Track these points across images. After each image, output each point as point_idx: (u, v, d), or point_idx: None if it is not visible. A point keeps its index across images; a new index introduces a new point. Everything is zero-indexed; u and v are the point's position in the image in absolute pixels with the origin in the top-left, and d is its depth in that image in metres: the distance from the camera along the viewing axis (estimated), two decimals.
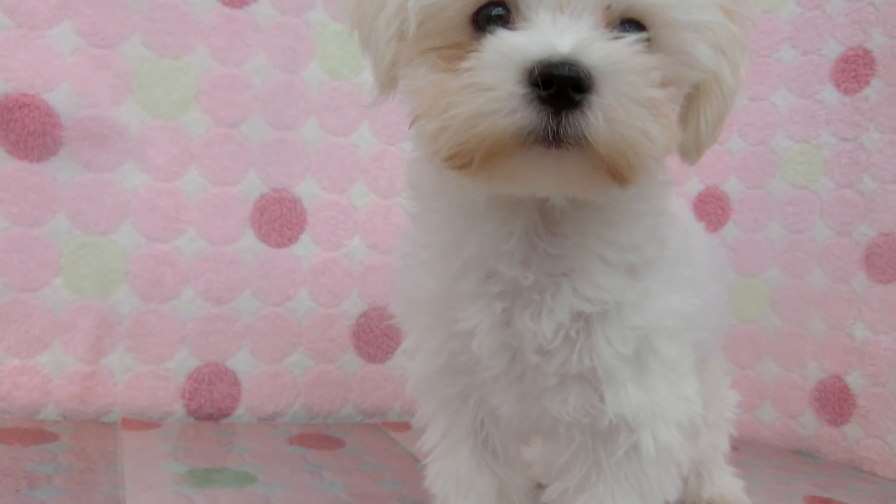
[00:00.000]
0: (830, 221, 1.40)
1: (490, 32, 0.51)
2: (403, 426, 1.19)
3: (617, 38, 0.50)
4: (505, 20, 0.52)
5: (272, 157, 1.18)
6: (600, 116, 0.47)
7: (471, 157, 0.50)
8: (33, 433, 0.99)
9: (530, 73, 0.47)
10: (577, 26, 0.50)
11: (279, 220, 1.19)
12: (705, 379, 0.89)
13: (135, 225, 1.11)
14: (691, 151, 0.60)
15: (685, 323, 0.63)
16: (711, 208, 1.49)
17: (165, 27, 1.11)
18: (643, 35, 0.52)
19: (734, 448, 1.35)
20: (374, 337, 1.23)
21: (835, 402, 1.36)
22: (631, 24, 0.53)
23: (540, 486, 0.70)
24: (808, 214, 1.43)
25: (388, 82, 0.58)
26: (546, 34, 0.49)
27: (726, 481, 0.98)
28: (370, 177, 1.24)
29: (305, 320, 1.21)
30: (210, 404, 1.15)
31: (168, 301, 1.13)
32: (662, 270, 0.61)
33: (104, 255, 1.09)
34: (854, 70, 1.38)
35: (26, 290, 1.06)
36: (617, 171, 0.50)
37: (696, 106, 0.58)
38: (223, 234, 1.16)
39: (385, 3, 0.55)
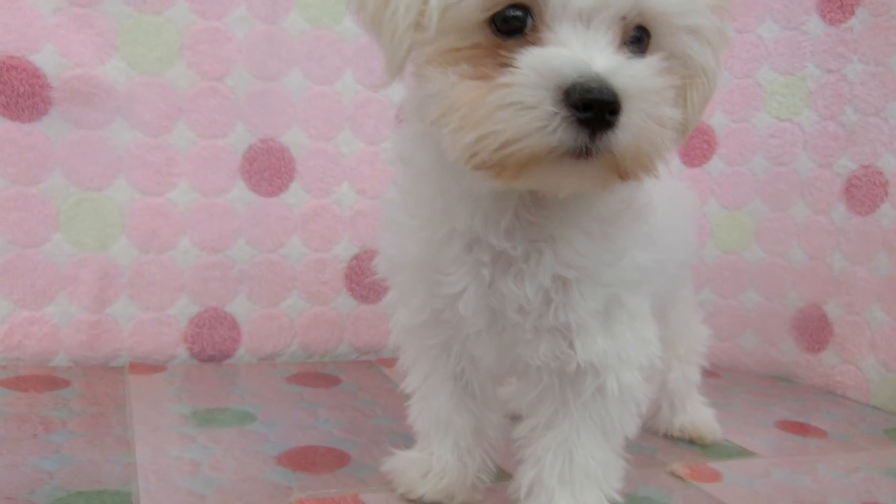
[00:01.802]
0: (813, 154, 1.42)
1: (509, 36, 0.53)
2: (395, 362, 1.25)
3: (637, 58, 0.54)
4: (523, 24, 0.54)
5: (258, 109, 1.20)
6: (627, 133, 0.52)
7: (504, 166, 0.53)
8: (47, 380, 1.05)
9: (568, 94, 0.50)
10: (601, 42, 0.53)
11: (268, 169, 1.22)
12: (674, 317, 0.94)
13: (128, 180, 1.14)
14: (679, 135, 0.62)
15: (645, 275, 0.68)
16: (697, 143, 1.50)
17: None
18: (660, 55, 0.56)
19: (715, 374, 1.43)
20: (366, 278, 1.27)
21: (813, 329, 1.42)
22: (640, 29, 0.56)
23: (514, 418, 0.76)
24: (791, 147, 1.45)
25: (400, 69, 0.58)
26: (579, 54, 0.51)
27: (698, 410, 1.04)
28: (356, 124, 1.26)
29: (298, 265, 1.26)
30: (212, 347, 1.22)
31: (165, 251, 1.18)
32: (628, 229, 0.66)
33: (101, 209, 1.13)
34: (839, 0, 1.37)
35: (29, 245, 1.10)
36: (629, 174, 0.55)
37: (683, 95, 0.61)
38: (215, 185, 1.19)
39: None
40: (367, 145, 1.27)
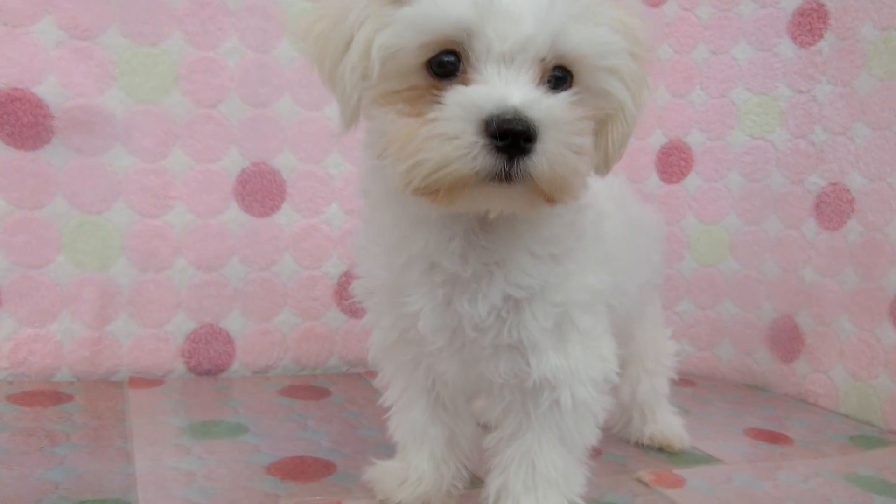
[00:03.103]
0: (785, 171, 1.48)
1: (444, 78, 0.60)
2: None
3: (553, 92, 0.60)
4: (455, 67, 0.60)
5: (251, 134, 1.26)
6: (543, 160, 0.57)
7: (437, 190, 0.59)
8: (51, 395, 1.11)
9: (487, 125, 0.56)
10: (521, 80, 0.59)
11: (261, 191, 1.28)
12: (639, 333, 1.00)
13: (127, 203, 1.20)
14: (601, 167, 0.69)
15: (598, 296, 0.74)
16: (675, 160, 1.56)
17: (141, 16, 1.17)
18: (573, 90, 0.62)
19: (692, 383, 1.48)
20: (347, 300, 1.33)
21: (786, 340, 1.47)
22: (560, 69, 0.62)
23: (486, 427, 0.82)
24: (764, 164, 1.51)
25: (354, 118, 0.65)
26: (498, 90, 0.58)
27: (667, 419, 1.09)
28: (344, 147, 1.32)
29: (290, 282, 1.32)
30: (208, 361, 1.27)
31: (163, 271, 1.24)
32: (578, 254, 0.71)
33: (101, 232, 1.19)
34: (809, 23, 1.43)
35: (33, 267, 1.16)
36: (551, 197, 0.61)
37: (604, 131, 0.67)
38: (209, 207, 1.25)
39: (348, 48, 0.62)
40: (355, 167, 1.33)
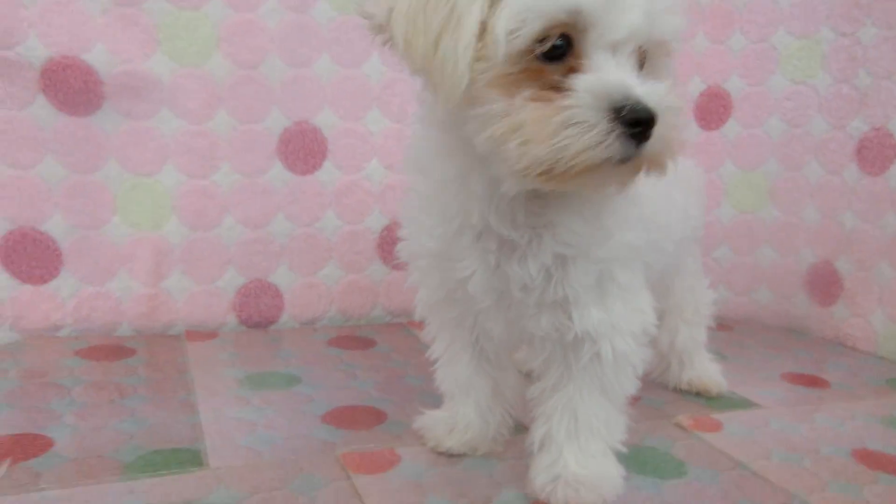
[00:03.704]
0: (827, 116, 1.46)
1: (552, 62, 0.62)
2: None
3: (659, 81, 0.64)
4: (564, 52, 0.62)
5: (291, 94, 1.28)
6: (658, 142, 0.62)
7: (564, 174, 0.62)
8: (115, 349, 1.17)
9: (618, 113, 0.60)
10: (629, 67, 0.63)
11: (303, 150, 1.31)
12: (678, 285, 1.03)
13: (176, 165, 1.25)
14: None
15: (635, 253, 0.76)
16: (713, 106, 1.55)
17: None
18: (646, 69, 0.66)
19: (729, 328, 1.50)
20: (393, 259, 1.37)
21: (824, 284, 1.48)
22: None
23: (528, 376, 0.86)
24: (805, 109, 1.49)
25: (458, 100, 0.63)
26: (622, 79, 0.61)
27: (705, 365, 1.12)
28: (383, 103, 1.34)
29: (334, 237, 1.36)
30: (258, 314, 1.33)
31: (212, 229, 1.28)
32: (616, 212, 0.74)
33: (153, 193, 1.24)
34: None
35: (91, 228, 1.22)
36: (649, 172, 0.66)
37: None
38: (254, 166, 1.29)
39: (455, 27, 0.61)
40: (394, 123, 1.35)
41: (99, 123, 1.19)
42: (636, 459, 0.86)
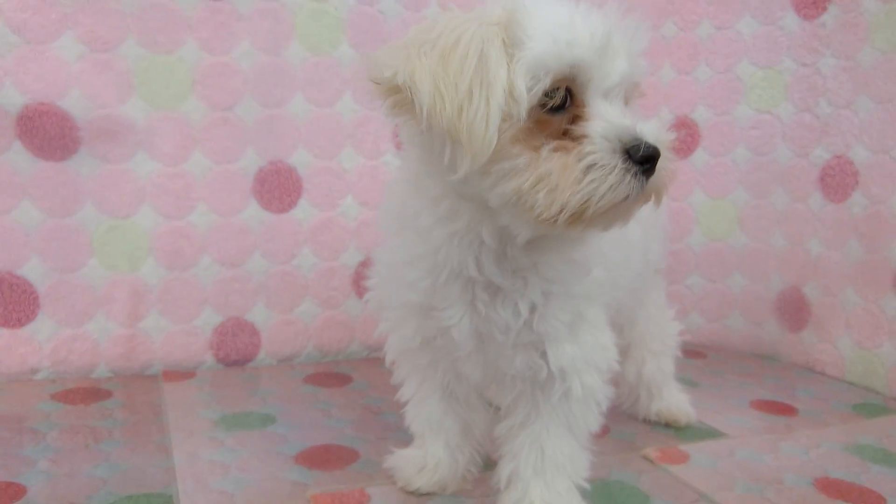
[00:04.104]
0: (791, 144, 1.50)
1: (555, 112, 0.66)
2: None
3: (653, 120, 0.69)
4: (566, 101, 0.67)
5: (266, 134, 1.31)
6: (661, 174, 0.67)
7: (593, 215, 0.66)
8: (91, 391, 1.18)
9: (631, 153, 0.65)
10: (623, 109, 0.68)
11: (278, 188, 1.34)
12: (643, 317, 1.05)
13: (152, 206, 1.26)
14: None
15: (602, 288, 0.79)
16: (682, 136, 1.58)
17: (157, 26, 1.21)
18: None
19: (703, 355, 1.53)
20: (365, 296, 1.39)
21: (793, 310, 1.51)
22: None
23: (498, 410, 0.88)
24: (770, 138, 1.53)
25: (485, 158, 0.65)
26: (626, 122, 0.66)
27: (674, 396, 1.14)
28: (356, 141, 1.37)
29: (310, 274, 1.38)
30: (235, 352, 1.34)
31: (189, 269, 1.30)
32: (591, 249, 0.77)
33: (129, 235, 1.26)
34: None
35: (68, 271, 1.23)
36: (655, 201, 0.70)
37: None
38: (230, 206, 1.31)
39: (486, 88, 0.63)
40: (368, 160, 1.38)
41: (75, 167, 1.21)
42: (603, 493, 0.88)
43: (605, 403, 0.82)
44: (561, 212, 0.65)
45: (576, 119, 0.67)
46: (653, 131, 0.67)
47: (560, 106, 0.66)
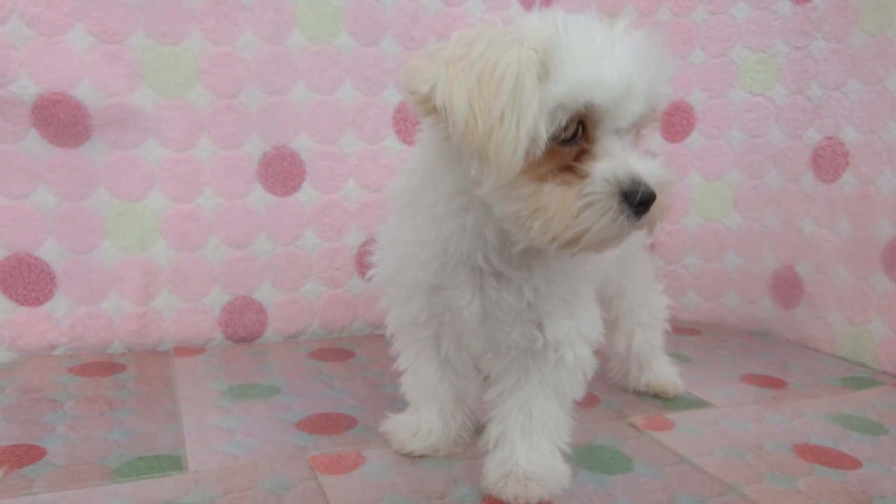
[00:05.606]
0: (784, 126, 1.53)
1: (566, 145, 0.69)
2: None
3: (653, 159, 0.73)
4: (577, 135, 0.70)
5: (269, 120, 1.36)
6: (656, 210, 0.71)
7: (579, 244, 0.70)
8: (107, 365, 1.24)
9: (629, 197, 0.68)
10: (631, 148, 0.71)
11: (282, 173, 1.39)
12: (630, 292, 1.10)
13: (162, 191, 1.32)
14: None
15: (594, 267, 0.84)
16: (677, 119, 1.62)
17: (163, 17, 1.26)
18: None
19: (698, 332, 1.56)
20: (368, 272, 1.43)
21: (787, 288, 1.54)
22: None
23: (487, 378, 0.93)
24: (764, 120, 1.55)
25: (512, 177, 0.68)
26: (629, 165, 0.69)
27: (662, 367, 1.18)
28: (357, 127, 1.42)
29: (314, 254, 1.43)
30: (243, 329, 1.40)
31: (198, 250, 1.36)
32: None
33: (140, 217, 1.31)
34: None
35: (82, 252, 1.29)
36: (647, 231, 0.74)
37: None
38: (236, 190, 1.36)
39: (521, 117, 0.65)
40: (368, 144, 1.43)
41: (88, 154, 1.26)
42: (587, 457, 0.93)
43: (590, 373, 0.86)
44: (553, 240, 0.70)
45: (583, 153, 0.70)
46: (654, 174, 0.70)
47: (571, 138, 0.69)
